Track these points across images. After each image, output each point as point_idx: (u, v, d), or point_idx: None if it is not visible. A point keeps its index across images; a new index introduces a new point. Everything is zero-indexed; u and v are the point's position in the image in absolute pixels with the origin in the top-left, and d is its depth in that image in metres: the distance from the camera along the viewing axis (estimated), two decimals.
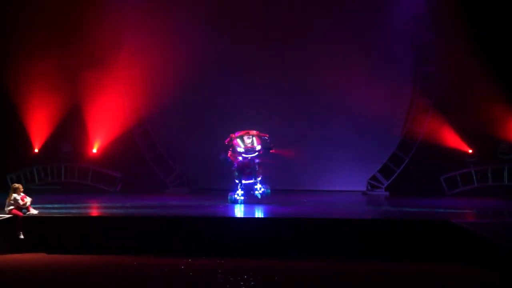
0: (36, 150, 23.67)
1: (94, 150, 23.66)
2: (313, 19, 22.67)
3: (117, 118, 23.14)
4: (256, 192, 17.48)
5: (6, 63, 22.62)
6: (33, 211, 14.76)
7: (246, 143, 17.23)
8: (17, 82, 22.89)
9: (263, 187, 17.56)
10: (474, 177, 21.84)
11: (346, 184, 22.83)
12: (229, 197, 17.49)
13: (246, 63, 22.90)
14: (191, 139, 22.76)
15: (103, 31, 22.39)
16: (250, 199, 17.56)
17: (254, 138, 17.30)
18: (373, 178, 22.63)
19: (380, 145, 22.62)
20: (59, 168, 23.39)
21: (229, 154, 17.60)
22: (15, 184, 15.32)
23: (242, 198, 17.40)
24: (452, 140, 22.24)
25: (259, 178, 17.51)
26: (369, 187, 22.57)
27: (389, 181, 22.50)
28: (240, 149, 17.23)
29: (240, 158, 17.29)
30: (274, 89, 22.84)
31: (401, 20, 22.49)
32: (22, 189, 14.91)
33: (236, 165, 17.47)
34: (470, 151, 22.31)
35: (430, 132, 22.28)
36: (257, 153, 17.33)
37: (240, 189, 17.48)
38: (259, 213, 15.89)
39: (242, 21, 22.70)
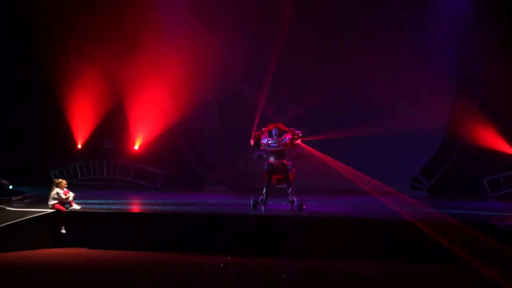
0: (80, 147, 24.00)
1: (136, 147, 23.89)
2: (357, 18, 22.56)
3: (159, 115, 23.33)
4: (288, 202, 15.99)
5: (52, 61, 22.90)
6: (76, 206, 14.97)
7: (273, 136, 16.09)
8: (62, 80, 23.18)
9: (297, 201, 15.93)
10: None
11: (387, 184, 22.59)
12: (252, 201, 16.01)
13: (287, 62, 22.81)
14: (232, 137, 22.77)
15: (147, 30, 22.60)
16: (277, 206, 16.31)
17: (282, 132, 16.14)
18: (415, 179, 22.42)
19: (422, 146, 22.40)
20: (102, 164, 23.67)
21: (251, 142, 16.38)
22: (58, 179, 15.56)
23: (266, 203, 16.03)
24: (496, 141, 21.87)
25: (292, 183, 16.18)
26: (410, 188, 22.36)
27: (430, 182, 22.25)
28: (264, 140, 16.12)
29: (272, 159, 16.08)
30: (314, 89, 22.73)
31: (446, 19, 22.18)
32: (65, 184, 15.13)
33: (266, 165, 16.24)
34: None
35: (474, 133, 21.97)
36: (281, 147, 16.00)
37: (265, 194, 16.04)
38: (299, 212, 15.65)
39: (285, 19, 22.63)
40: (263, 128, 16.48)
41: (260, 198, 16.05)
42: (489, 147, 21.81)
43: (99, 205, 16.23)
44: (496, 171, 21.58)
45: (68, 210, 14.78)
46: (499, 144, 21.83)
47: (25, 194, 17.89)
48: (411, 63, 22.09)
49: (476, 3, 21.88)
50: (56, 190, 14.88)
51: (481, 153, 21.78)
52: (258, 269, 12.21)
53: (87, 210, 15.14)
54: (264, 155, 16.30)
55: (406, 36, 22.39)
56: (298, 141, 16.38)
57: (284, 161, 16.17)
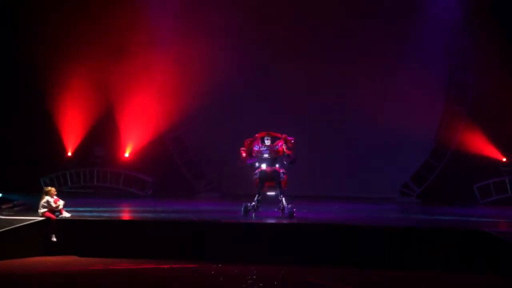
0: (70, 154, 23.93)
1: (126, 155, 23.84)
2: (346, 24, 22.63)
3: (150, 123, 23.32)
4: (280, 209, 15.76)
5: (41, 68, 22.82)
6: (66, 214, 14.91)
7: (265, 143, 15.90)
8: (52, 87, 23.14)
9: (288, 207, 15.76)
10: (508, 185, 21.49)
11: (378, 191, 22.64)
12: (243, 208, 15.72)
13: (277, 68, 22.88)
14: (223, 144, 22.73)
15: (136, 37, 22.62)
16: (268, 213, 16.14)
17: (274, 139, 15.94)
18: (405, 185, 22.45)
19: (412, 153, 22.43)
20: (92, 172, 23.60)
21: (243, 154, 16.11)
22: (48, 187, 15.53)
23: (257, 210, 15.77)
24: (486, 148, 21.95)
25: (284, 190, 15.94)
26: (400, 195, 22.39)
27: (421, 189, 22.29)
28: (257, 147, 15.90)
29: (264, 166, 15.85)
30: (305, 95, 22.82)
31: (436, 25, 22.25)
32: (55, 192, 15.08)
33: (258, 172, 15.99)
34: (504, 159, 21.99)
35: (464, 140, 22.05)
36: (273, 154, 15.79)
37: (256, 200, 15.79)
38: (290, 219, 15.55)
39: (277, 28, 22.69)
40: (256, 135, 16.24)
41: (251, 205, 15.83)
42: (479, 154, 21.88)
43: (89, 213, 16.18)
44: (486, 177, 21.66)
45: (58, 218, 14.72)
46: (489, 151, 21.91)
47: (15, 202, 17.78)
48: (401, 70, 22.14)
49: (466, 9, 21.95)
50: (46, 198, 14.81)
51: (471, 159, 21.84)
52: (249, 276, 12.18)
53: (78, 218, 15.07)
54: (257, 163, 16.19)
55: (397, 42, 22.47)
56: (291, 148, 16.20)
57: (277, 168, 15.96)
